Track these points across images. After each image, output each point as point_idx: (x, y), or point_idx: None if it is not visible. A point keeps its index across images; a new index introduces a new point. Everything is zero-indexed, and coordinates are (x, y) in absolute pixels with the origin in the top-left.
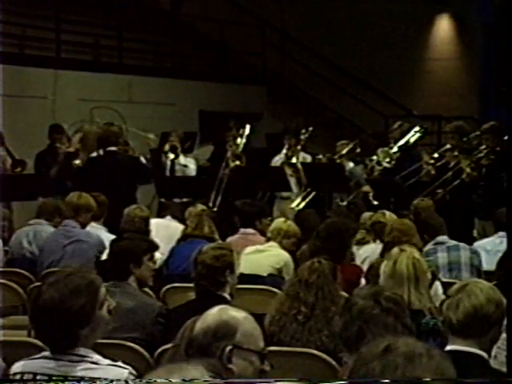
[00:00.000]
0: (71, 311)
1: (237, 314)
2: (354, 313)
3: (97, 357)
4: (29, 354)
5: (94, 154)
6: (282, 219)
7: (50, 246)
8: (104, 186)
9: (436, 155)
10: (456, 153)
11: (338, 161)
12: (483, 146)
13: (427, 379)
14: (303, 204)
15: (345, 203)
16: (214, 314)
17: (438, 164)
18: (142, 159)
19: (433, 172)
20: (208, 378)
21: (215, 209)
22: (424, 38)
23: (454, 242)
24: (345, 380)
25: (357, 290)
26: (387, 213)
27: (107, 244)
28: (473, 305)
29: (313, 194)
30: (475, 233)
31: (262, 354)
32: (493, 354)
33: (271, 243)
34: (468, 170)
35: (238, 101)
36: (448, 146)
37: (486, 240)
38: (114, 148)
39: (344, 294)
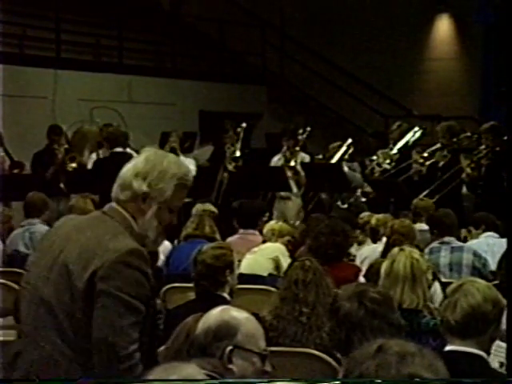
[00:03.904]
0: None
1: (238, 315)
2: (340, 316)
3: None
4: None
5: (94, 155)
6: (274, 221)
7: None
8: (111, 187)
9: (426, 154)
10: (445, 152)
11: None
12: (483, 146)
13: (426, 379)
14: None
15: (345, 206)
16: (216, 314)
17: (428, 163)
18: None
19: (423, 171)
20: (203, 376)
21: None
22: (424, 38)
23: (459, 244)
24: (343, 380)
25: (342, 289)
26: (379, 215)
27: None
28: (470, 304)
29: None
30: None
31: (262, 355)
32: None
33: (267, 244)
34: (468, 170)
35: (238, 101)
36: (438, 146)
37: (476, 241)
38: (120, 149)
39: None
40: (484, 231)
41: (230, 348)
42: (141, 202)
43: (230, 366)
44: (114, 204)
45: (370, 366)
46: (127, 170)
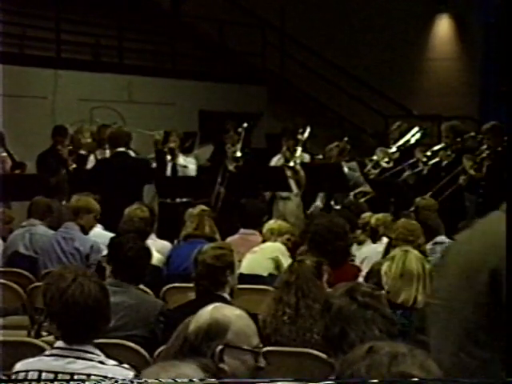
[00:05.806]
0: (105, 304)
1: (229, 313)
2: (333, 313)
3: (103, 357)
4: (28, 355)
5: (92, 156)
6: (273, 220)
7: (49, 247)
8: (113, 186)
9: (429, 153)
10: (449, 152)
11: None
12: (485, 146)
13: (425, 379)
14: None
15: (339, 207)
16: (207, 313)
17: (431, 162)
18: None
19: (425, 170)
20: (202, 376)
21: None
22: (424, 38)
23: None
24: (341, 380)
25: (332, 290)
26: (379, 215)
27: (104, 241)
28: None
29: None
30: None
31: (255, 352)
32: None
33: (267, 243)
34: (472, 172)
35: (237, 101)
36: (442, 145)
37: None
38: (123, 149)
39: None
40: None
41: (220, 347)
42: None
43: (222, 365)
44: None
45: (361, 367)
46: None
